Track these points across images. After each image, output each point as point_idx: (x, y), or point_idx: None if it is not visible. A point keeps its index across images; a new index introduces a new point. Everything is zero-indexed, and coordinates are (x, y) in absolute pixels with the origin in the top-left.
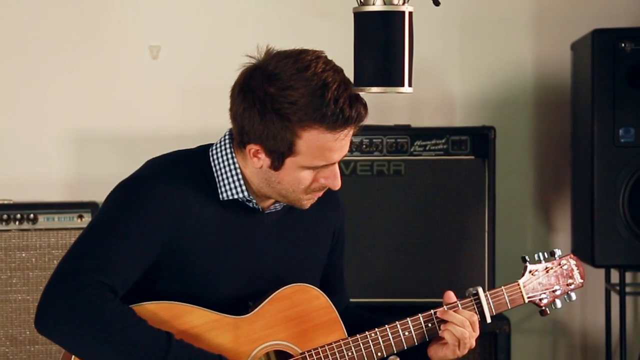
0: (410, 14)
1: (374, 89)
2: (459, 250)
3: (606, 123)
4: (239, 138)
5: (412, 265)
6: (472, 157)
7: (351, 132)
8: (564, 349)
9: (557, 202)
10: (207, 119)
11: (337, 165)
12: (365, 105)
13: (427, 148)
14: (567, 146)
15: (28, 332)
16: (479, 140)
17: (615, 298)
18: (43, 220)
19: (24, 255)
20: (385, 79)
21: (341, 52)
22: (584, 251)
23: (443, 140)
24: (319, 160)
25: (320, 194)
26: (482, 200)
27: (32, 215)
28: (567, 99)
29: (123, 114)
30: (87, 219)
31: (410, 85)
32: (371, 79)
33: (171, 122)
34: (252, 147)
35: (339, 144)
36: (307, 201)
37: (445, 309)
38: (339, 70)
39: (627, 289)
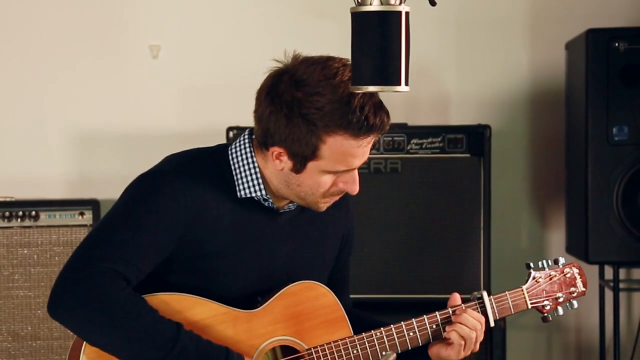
0: (407, 13)
1: (371, 88)
2: (455, 247)
3: (600, 121)
4: (262, 140)
5: (409, 262)
6: (468, 155)
7: (373, 140)
8: (559, 344)
9: (551, 199)
10: (206, 117)
11: (356, 171)
12: (388, 114)
13: (424, 146)
14: (561, 144)
15: (30, 328)
16: (474, 139)
17: (609, 294)
18: (45, 218)
19: (25, 252)
20: (382, 78)
21: (339, 51)
22: (578, 248)
23: (439, 139)
24: (341, 165)
25: (337, 198)
26: (478, 197)
27: (34, 213)
28: (561, 98)
29: (123, 113)
30: (88, 216)
31: (406, 84)
32: (368, 78)
33: (171, 121)
34: (276, 150)
35: (361, 150)
36: (324, 204)
37: (450, 311)
38: None
39: (621, 285)
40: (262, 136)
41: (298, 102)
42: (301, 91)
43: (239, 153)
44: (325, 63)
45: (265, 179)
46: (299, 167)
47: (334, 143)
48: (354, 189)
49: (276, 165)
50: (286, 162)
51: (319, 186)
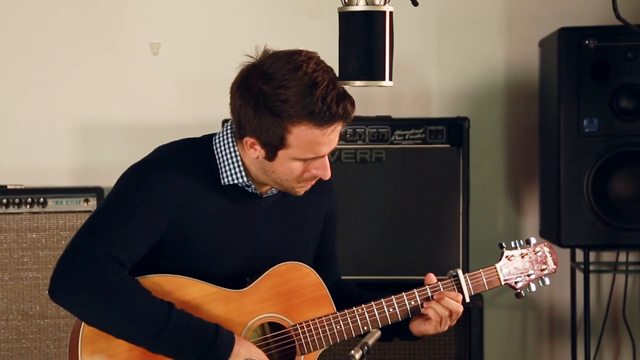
0: (391, 13)
1: (358, 83)
2: (436, 232)
3: (571, 114)
4: (237, 130)
5: (393, 245)
6: (448, 145)
7: (339, 127)
8: (533, 322)
9: (526, 187)
10: (202, 110)
11: (326, 157)
12: (352, 103)
13: (406, 137)
14: (535, 135)
15: (38, 307)
16: (454, 130)
17: (579, 276)
18: (52, 204)
19: (34, 236)
20: (368, 74)
21: (328, 48)
22: (551, 232)
23: (421, 130)
24: (309, 153)
25: (313, 182)
26: (457, 185)
27: (42, 199)
28: (535, 92)
29: (126, 106)
30: (93, 202)
31: (390, 79)
32: (355, 74)
33: (170, 113)
34: (249, 140)
35: (326, 138)
36: (300, 189)
37: (427, 288)
38: (328, 70)
39: (591, 267)
40: (236, 127)
41: (264, 95)
42: (267, 84)
43: (221, 143)
44: (290, 57)
45: (246, 166)
46: (270, 155)
47: (299, 133)
48: (326, 174)
49: (251, 153)
50: (259, 151)
51: (291, 172)
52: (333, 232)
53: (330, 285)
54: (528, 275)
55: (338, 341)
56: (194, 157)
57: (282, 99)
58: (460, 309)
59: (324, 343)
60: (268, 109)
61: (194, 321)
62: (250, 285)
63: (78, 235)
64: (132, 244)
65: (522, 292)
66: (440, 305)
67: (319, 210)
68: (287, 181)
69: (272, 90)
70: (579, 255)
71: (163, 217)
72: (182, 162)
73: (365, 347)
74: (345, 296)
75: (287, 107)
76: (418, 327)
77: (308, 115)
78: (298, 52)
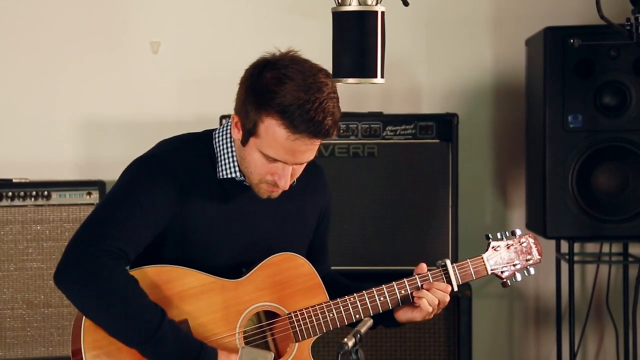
0: (383, 13)
1: (350, 80)
2: (426, 224)
3: (556, 110)
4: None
5: (384, 237)
6: (438, 141)
7: (307, 141)
8: (519, 311)
9: (513, 180)
10: (201, 107)
11: (289, 168)
12: (334, 126)
13: (397, 133)
14: (522, 131)
15: (42, 297)
16: (443, 126)
17: (564, 266)
18: (56, 197)
19: (38, 228)
20: (360, 71)
21: (321, 47)
22: (537, 224)
23: (411, 126)
24: (271, 151)
25: (276, 189)
26: (446, 179)
27: (46, 192)
28: (522, 89)
29: (127, 102)
30: (95, 195)
31: (382, 76)
32: (348, 71)
33: (169, 110)
34: (235, 117)
35: (289, 144)
36: (263, 191)
37: (417, 278)
38: (332, 93)
39: (576, 258)
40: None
41: (259, 79)
42: (269, 72)
43: (220, 138)
44: (306, 64)
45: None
46: (243, 140)
47: (269, 126)
48: (281, 183)
49: (234, 133)
50: (239, 133)
51: (255, 165)
52: (326, 228)
53: (322, 277)
54: (514, 265)
55: (331, 329)
56: (195, 151)
57: (271, 89)
58: (447, 299)
59: (317, 330)
60: (254, 92)
61: (181, 336)
62: (246, 276)
63: (86, 225)
64: (137, 236)
65: (508, 281)
66: (430, 294)
67: (314, 206)
68: (251, 174)
69: (268, 79)
70: (564, 246)
71: (166, 209)
72: (184, 156)
73: (358, 335)
74: (333, 286)
75: (269, 98)
76: (405, 314)
77: (280, 111)
78: (320, 68)
